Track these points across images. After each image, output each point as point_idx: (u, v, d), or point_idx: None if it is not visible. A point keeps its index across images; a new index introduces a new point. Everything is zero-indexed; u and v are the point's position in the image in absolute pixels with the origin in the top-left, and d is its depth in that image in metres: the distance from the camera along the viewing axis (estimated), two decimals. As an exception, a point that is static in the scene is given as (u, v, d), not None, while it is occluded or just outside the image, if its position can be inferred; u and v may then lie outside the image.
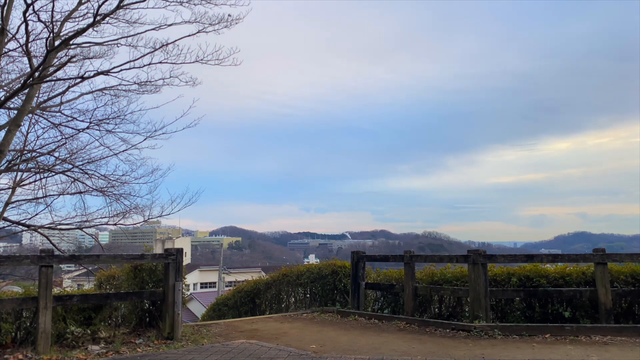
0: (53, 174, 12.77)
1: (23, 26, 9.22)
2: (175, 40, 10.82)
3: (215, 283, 49.47)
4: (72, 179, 12.83)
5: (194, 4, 10.68)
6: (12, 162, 12.09)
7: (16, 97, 10.78)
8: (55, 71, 10.56)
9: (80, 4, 10.96)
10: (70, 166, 12.63)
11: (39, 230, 13.15)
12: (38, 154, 12.65)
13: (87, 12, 11.10)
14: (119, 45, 11.15)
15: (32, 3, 8.79)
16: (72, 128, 12.57)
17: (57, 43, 9.94)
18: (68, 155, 12.65)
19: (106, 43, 11.24)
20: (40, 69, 9.06)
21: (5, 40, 10.41)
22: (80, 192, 12.92)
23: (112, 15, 10.24)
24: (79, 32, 9.79)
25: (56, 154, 12.60)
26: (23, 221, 12.91)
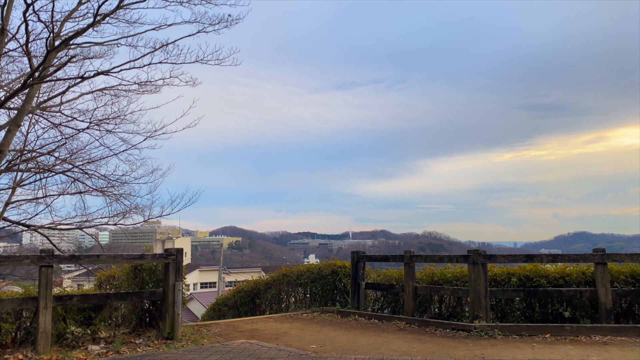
0: (53, 174, 12.78)
1: (23, 26, 9.26)
2: (175, 40, 10.83)
3: (215, 283, 49.48)
4: (72, 179, 12.85)
5: (194, 4, 10.70)
6: (12, 162, 12.09)
7: (16, 97, 10.79)
8: (55, 71, 10.57)
9: (80, 4, 10.98)
10: (70, 166, 12.64)
11: (39, 230, 13.16)
12: (38, 154, 12.66)
13: (87, 12, 11.14)
14: (119, 45, 11.16)
15: (32, 3, 8.81)
16: (72, 128, 12.61)
17: (57, 43, 9.95)
18: (68, 155, 12.66)
19: (106, 43, 11.25)
20: (40, 69, 9.07)
21: (5, 40, 10.42)
22: (80, 192, 12.93)
23: (112, 15, 10.25)
24: (79, 32, 9.80)
25: (56, 154, 12.63)
26: (23, 221, 12.92)
